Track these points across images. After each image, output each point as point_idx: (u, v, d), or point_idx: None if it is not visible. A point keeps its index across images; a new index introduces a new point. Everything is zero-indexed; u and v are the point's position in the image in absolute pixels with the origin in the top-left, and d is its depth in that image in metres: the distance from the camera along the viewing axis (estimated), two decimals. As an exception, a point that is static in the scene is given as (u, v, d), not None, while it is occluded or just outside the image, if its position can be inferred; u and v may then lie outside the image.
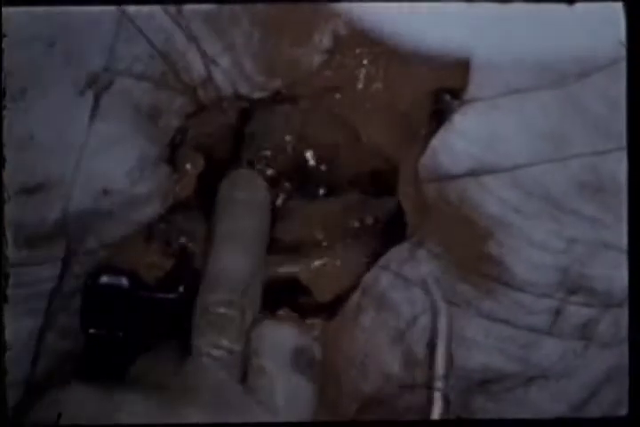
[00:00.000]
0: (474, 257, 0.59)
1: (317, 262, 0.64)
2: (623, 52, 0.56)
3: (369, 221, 0.65)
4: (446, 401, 0.60)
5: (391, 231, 0.64)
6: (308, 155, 0.65)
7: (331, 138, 0.65)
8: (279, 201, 0.65)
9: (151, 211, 0.62)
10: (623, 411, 0.57)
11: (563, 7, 0.56)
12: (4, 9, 0.51)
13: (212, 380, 0.56)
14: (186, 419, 0.54)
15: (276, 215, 0.64)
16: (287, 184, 0.65)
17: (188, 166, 0.63)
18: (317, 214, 0.65)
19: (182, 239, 0.64)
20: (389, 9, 0.57)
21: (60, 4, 0.52)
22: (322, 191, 0.66)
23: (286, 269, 0.64)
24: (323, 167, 0.65)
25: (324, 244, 0.65)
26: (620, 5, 0.56)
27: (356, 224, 0.65)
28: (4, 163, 0.48)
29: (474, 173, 0.59)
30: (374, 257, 0.63)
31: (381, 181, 0.65)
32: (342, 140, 0.65)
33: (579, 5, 0.56)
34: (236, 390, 0.56)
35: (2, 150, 0.47)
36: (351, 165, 0.65)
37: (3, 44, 0.52)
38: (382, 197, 0.65)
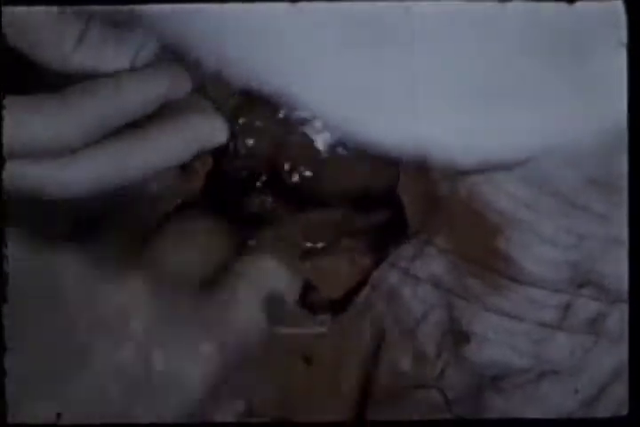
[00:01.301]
0: (483, 253, 0.59)
1: (322, 262, 0.64)
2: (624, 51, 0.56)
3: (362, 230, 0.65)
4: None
5: (395, 228, 0.64)
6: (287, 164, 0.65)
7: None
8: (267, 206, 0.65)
9: (159, 210, 0.61)
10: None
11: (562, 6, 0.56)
12: (3, 9, 0.50)
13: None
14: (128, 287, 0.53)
15: (265, 221, 0.64)
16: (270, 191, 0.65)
17: (197, 165, 0.62)
18: (306, 225, 0.65)
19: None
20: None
21: (61, 4, 0.51)
22: (309, 202, 0.65)
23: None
24: (305, 177, 0.65)
25: (326, 245, 0.65)
26: (620, 4, 0.55)
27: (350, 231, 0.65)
28: (4, 163, 0.48)
29: (484, 168, 0.58)
30: (381, 253, 0.63)
31: (371, 196, 0.65)
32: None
33: (578, 4, 0.55)
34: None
35: (2, 150, 0.47)
36: (338, 178, 0.65)
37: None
38: (372, 211, 0.65)
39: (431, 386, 0.61)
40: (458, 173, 0.59)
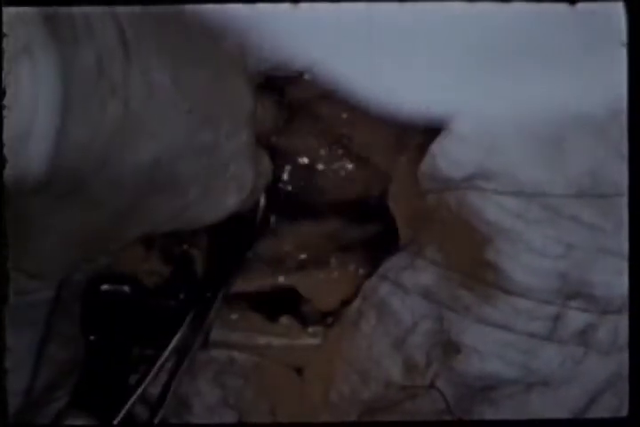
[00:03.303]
0: (473, 263, 0.59)
1: (315, 276, 0.64)
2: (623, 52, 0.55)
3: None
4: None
5: (387, 240, 0.64)
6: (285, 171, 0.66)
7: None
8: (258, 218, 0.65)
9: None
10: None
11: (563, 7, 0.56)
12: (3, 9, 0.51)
13: None
14: None
15: (262, 232, 0.65)
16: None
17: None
18: (298, 238, 0.66)
19: (184, 246, 0.64)
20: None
21: (60, 5, 0.51)
22: (300, 215, 0.66)
23: (285, 280, 0.64)
24: (298, 188, 0.66)
25: (319, 258, 0.65)
26: (620, 5, 0.55)
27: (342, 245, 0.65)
28: (4, 163, 0.48)
29: (473, 179, 0.58)
30: (372, 266, 0.63)
31: (364, 209, 0.66)
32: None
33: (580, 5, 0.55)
34: None
35: (2, 150, 0.47)
36: (332, 190, 0.66)
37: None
38: (365, 223, 0.65)
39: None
40: (447, 183, 0.59)
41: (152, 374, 0.61)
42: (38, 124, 0.42)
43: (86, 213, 0.49)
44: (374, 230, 0.65)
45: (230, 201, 0.56)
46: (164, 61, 0.48)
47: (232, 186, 0.56)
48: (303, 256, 0.65)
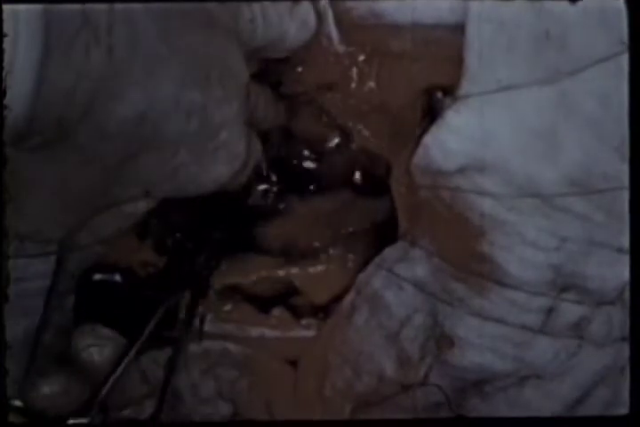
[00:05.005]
0: (467, 256, 0.59)
1: (312, 268, 0.64)
2: (622, 49, 0.55)
3: (363, 223, 0.65)
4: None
5: (384, 232, 0.64)
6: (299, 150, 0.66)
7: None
8: (269, 199, 0.65)
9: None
10: (617, 411, 0.57)
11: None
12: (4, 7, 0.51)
13: None
14: None
15: (268, 215, 0.64)
16: (275, 179, 0.65)
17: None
18: (309, 214, 0.65)
19: (178, 236, 0.64)
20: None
21: (59, 3, 0.52)
22: (312, 189, 0.66)
23: (281, 272, 0.64)
24: (313, 164, 0.66)
25: (318, 248, 0.65)
26: (621, 4, 0.55)
27: (350, 229, 0.65)
28: (4, 162, 0.48)
29: (466, 170, 0.58)
30: (369, 259, 0.63)
31: (375, 181, 0.65)
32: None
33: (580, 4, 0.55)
34: None
35: (2, 150, 0.47)
36: (343, 164, 0.65)
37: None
38: (376, 196, 0.65)
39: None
40: (441, 175, 0.59)
41: (125, 362, 0.60)
42: (18, 67, 0.42)
43: (76, 168, 0.49)
44: (384, 205, 0.65)
45: (221, 170, 0.56)
46: (149, 16, 0.49)
47: (223, 154, 0.55)
48: (303, 242, 0.65)
